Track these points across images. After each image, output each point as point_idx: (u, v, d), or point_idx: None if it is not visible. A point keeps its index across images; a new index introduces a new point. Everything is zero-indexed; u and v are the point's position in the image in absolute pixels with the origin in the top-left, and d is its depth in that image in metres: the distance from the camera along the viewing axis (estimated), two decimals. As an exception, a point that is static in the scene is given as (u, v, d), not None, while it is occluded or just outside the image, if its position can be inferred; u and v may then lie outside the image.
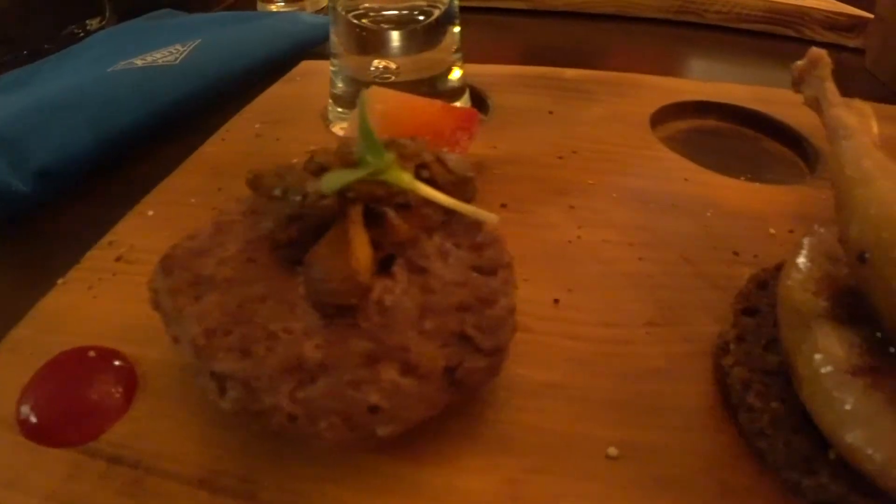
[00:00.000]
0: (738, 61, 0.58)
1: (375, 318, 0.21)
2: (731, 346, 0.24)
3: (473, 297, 0.22)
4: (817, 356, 0.20)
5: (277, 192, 0.23)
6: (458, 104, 0.40)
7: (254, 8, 0.66)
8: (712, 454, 0.22)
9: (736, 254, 0.29)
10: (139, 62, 0.43)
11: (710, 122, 0.42)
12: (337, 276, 0.21)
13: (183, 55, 0.44)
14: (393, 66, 0.38)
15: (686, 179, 0.34)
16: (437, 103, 0.33)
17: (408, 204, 0.23)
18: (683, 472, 0.21)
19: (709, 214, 0.32)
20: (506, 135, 0.38)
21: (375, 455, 0.22)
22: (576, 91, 0.42)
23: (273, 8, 0.67)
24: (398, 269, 0.22)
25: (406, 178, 0.23)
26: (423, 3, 0.37)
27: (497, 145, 0.37)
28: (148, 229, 0.31)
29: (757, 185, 0.35)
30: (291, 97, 0.44)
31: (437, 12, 0.38)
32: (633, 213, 0.32)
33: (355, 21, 0.37)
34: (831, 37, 0.59)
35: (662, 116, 0.40)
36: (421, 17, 0.37)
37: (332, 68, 0.39)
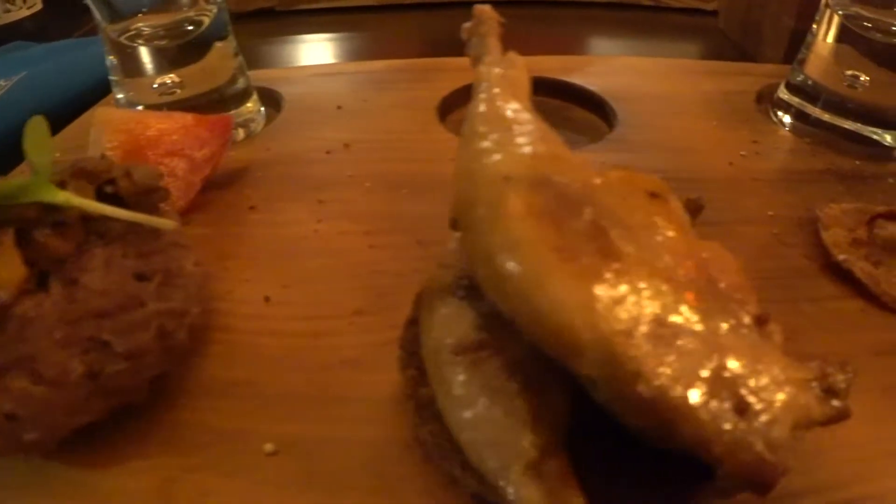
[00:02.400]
0: (599, 35, 0.57)
1: (13, 331, 0.21)
2: (408, 331, 0.23)
3: (114, 303, 0.22)
4: (432, 335, 0.20)
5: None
6: (246, 107, 0.40)
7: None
8: (379, 446, 0.21)
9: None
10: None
11: (517, 99, 0.41)
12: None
13: (4, 90, 0.45)
14: (176, 79, 0.38)
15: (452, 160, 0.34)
16: (188, 116, 0.34)
17: (64, 222, 0.24)
18: (342, 465, 0.21)
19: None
20: (285, 135, 0.38)
21: (55, 460, 0.22)
22: (375, 83, 0.42)
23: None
24: (54, 283, 0.23)
25: (61, 197, 0.23)
26: (192, 14, 0.38)
27: (271, 147, 0.37)
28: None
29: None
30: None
31: (206, 20, 0.38)
32: (380, 202, 0.32)
33: (128, 43, 0.37)
34: (689, 1, 0.58)
35: (462, 98, 0.40)
36: (191, 28, 0.38)
37: (116, 96, 0.39)
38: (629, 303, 0.16)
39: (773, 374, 0.17)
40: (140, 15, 0.37)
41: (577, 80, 0.40)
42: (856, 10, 0.37)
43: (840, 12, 0.37)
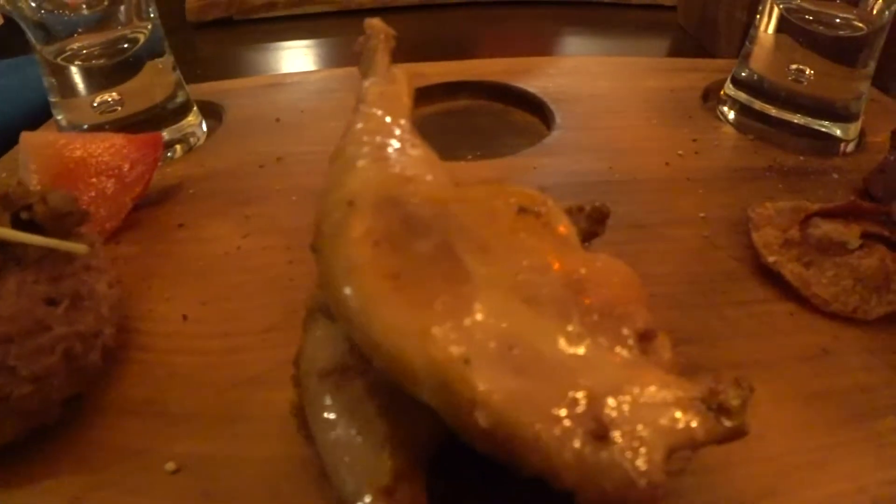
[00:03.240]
0: (559, 34, 0.56)
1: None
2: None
3: (20, 328, 0.22)
4: (305, 357, 0.19)
5: None
6: (186, 121, 0.40)
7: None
8: (277, 463, 0.21)
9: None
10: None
11: (461, 102, 0.41)
12: None
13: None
14: (116, 97, 0.38)
15: (386, 170, 0.34)
16: (117, 137, 0.34)
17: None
18: (240, 483, 0.21)
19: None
20: (221, 150, 0.38)
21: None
22: (316, 93, 0.41)
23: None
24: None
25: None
26: (127, 32, 0.37)
27: (206, 162, 0.37)
28: None
29: (463, 163, 0.34)
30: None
31: (141, 38, 0.38)
32: (304, 216, 0.30)
33: (64, 63, 0.37)
34: (648, -3, 0.57)
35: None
36: (126, 46, 0.37)
37: (57, 117, 0.39)
38: (472, 327, 0.15)
39: (649, 394, 0.16)
40: (75, 35, 0.37)
41: (520, 82, 0.40)
42: (798, 2, 0.36)
43: (782, 6, 0.36)
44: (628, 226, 0.29)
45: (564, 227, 0.20)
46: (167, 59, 0.40)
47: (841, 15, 0.36)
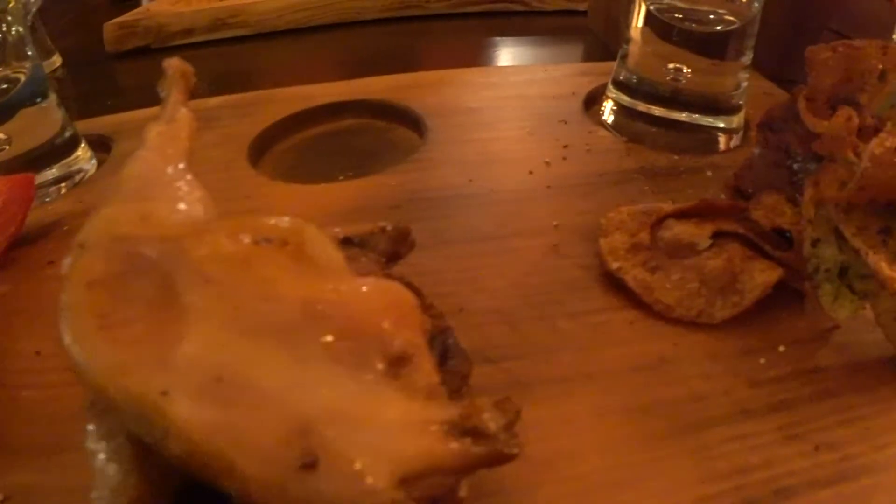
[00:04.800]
0: (472, 46, 0.56)
1: None
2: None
3: None
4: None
5: None
6: (75, 156, 0.39)
7: None
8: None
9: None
10: None
11: (345, 122, 0.40)
12: None
13: None
14: (2, 136, 0.38)
15: (247, 196, 0.33)
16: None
17: None
18: None
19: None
20: (101, 186, 0.37)
21: None
22: (206, 121, 0.41)
23: None
24: None
25: None
26: (9, 73, 0.37)
27: (84, 199, 0.36)
28: None
29: (331, 185, 0.33)
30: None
31: (22, 78, 0.38)
32: None
33: (-61, 105, 0.37)
34: (560, 3, 0.57)
35: (281, 131, 0.39)
36: (6, 86, 0.37)
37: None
38: (177, 360, 0.15)
39: (382, 420, 0.16)
40: (-45, 78, 0.37)
41: (405, 98, 0.39)
42: (669, 1, 0.35)
43: (652, 6, 0.35)
44: (475, 239, 0.28)
45: (325, 254, 0.19)
46: (52, 97, 0.40)
47: (712, 10, 0.35)
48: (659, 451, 0.21)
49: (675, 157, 0.34)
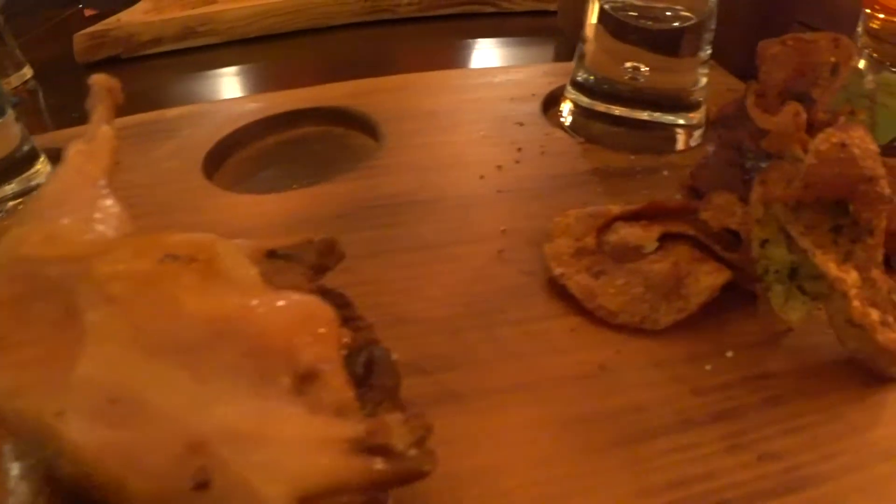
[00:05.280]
0: (442, 48, 0.56)
1: None
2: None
3: None
4: None
5: None
6: (35, 169, 0.39)
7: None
8: None
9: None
10: None
11: (304, 130, 0.40)
12: None
13: None
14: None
15: (197, 209, 0.32)
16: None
17: None
18: None
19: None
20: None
21: None
22: (161, 132, 0.40)
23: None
24: None
25: None
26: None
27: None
28: None
29: (285, 194, 0.33)
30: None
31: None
32: None
33: None
34: (530, 4, 0.56)
35: (239, 139, 0.38)
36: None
37: None
38: (72, 382, 0.15)
39: (281, 438, 0.15)
40: None
41: (363, 104, 0.39)
42: (624, 0, 0.35)
43: (606, 5, 0.35)
44: (420, 247, 0.28)
45: (237, 269, 0.19)
46: (9, 114, 0.40)
47: (669, 7, 0.34)
48: (594, 464, 0.20)
49: (632, 157, 0.33)
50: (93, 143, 0.23)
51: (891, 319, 0.24)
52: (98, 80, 0.25)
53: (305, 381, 0.17)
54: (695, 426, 0.21)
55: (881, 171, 0.24)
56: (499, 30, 0.55)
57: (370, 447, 0.16)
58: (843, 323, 0.24)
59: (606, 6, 0.35)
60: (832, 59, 0.28)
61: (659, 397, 0.22)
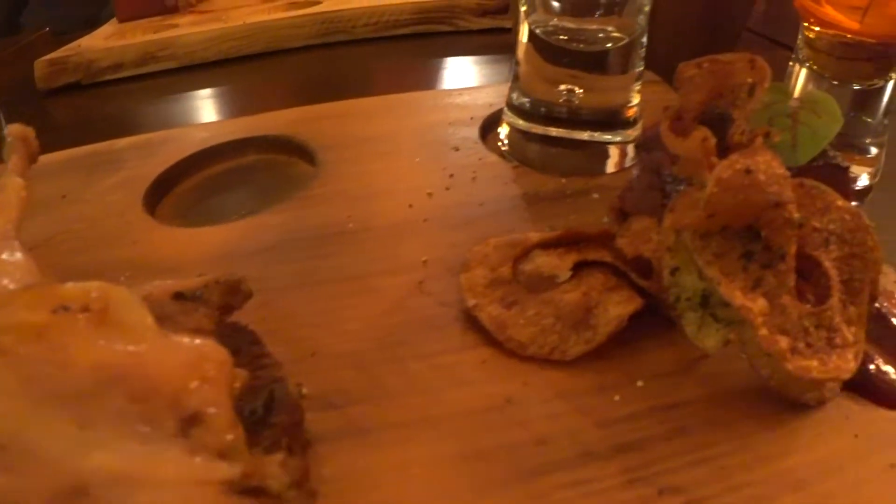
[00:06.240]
0: (400, 68, 0.56)
1: None
2: None
3: None
4: None
5: None
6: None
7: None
8: None
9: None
10: None
11: (249, 158, 0.40)
12: None
13: None
14: None
15: (134, 242, 0.33)
16: None
17: None
18: None
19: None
20: None
21: None
22: (109, 164, 0.40)
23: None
24: None
25: None
26: None
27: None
28: None
29: (220, 227, 0.33)
30: None
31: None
32: None
33: None
34: (486, 22, 0.57)
35: (184, 169, 0.39)
36: None
37: None
38: None
39: (156, 480, 0.16)
40: None
41: (308, 131, 0.39)
42: (554, 23, 0.35)
43: (538, 29, 0.35)
44: (342, 279, 0.28)
45: (132, 316, 0.19)
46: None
47: (601, 28, 0.35)
48: (493, 499, 0.20)
49: (563, 180, 0.33)
50: (2, 194, 0.23)
51: (802, 346, 0.24)
52: (13, 130, 0.26)
53: (190, 423, 0.17)
54: (595, 459, 0.21)
55: (789, 195, 0.24)
56: (455, 48, 0.55)
57: (246, 489, 0.17)
58: (757, 350, 0.24)
59: (537, 30, 0.35)
60: (749, 80, 0.28)
61: (561, 430, 0.22)
